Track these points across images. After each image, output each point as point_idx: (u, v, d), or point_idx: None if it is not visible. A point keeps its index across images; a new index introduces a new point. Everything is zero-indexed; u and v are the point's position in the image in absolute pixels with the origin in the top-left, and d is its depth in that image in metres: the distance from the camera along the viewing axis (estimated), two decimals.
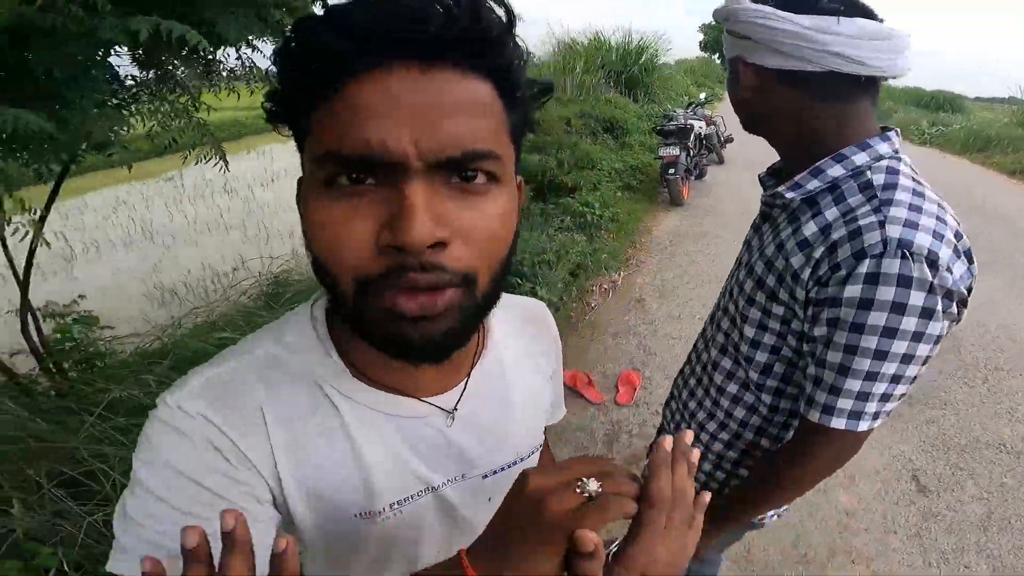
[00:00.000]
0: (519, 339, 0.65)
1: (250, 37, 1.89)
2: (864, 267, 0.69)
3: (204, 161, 2.17)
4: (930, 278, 0.67)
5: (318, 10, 1.87)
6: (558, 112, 8.00)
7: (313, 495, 0.51)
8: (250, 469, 0.48)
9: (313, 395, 0.51)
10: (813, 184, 0.79)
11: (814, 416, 0.78)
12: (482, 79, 0.40)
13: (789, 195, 0.81)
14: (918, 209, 0.70)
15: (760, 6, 0.77)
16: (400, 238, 0.37)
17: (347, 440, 0.51)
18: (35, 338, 2.21)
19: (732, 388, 0.94)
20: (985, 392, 3.05)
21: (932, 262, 0.67)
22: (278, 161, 10.86)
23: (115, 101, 1.88)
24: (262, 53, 2.11)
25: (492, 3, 0.40)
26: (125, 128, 1.81)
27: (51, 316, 2.54)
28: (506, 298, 0.61)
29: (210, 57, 2.07)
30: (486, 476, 0.60)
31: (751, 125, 0.89)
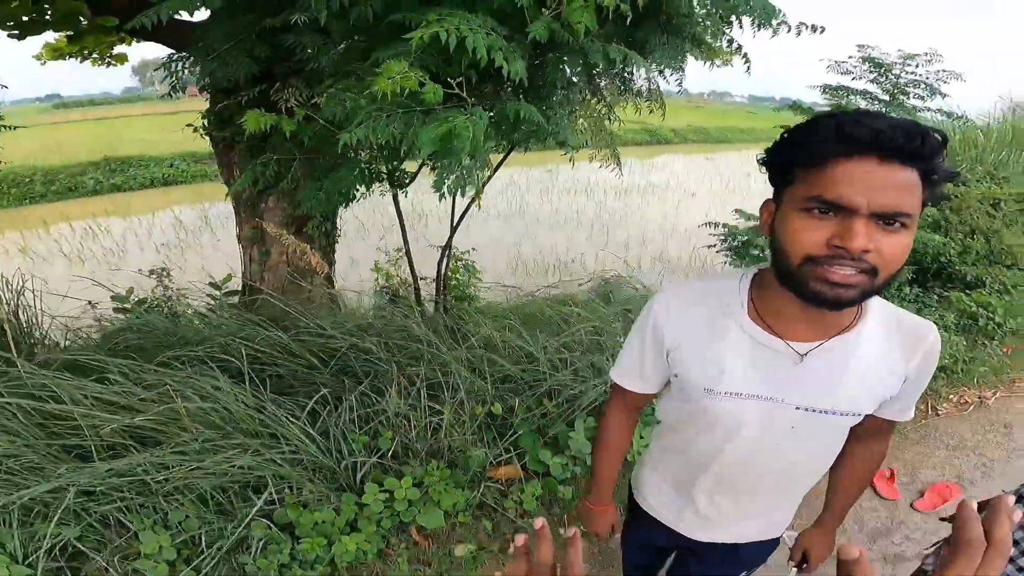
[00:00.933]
0: (886, 339, 0.85)
1: (666, 66, 2.12)
2: None
3: (605, 165, 2.52)
4: None
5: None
6: (983, 190, 6.36)
7: (688, 368, 0.90)
8: (663, 341, 0.92)
9: (721, 315, 0.87)
10: None
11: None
12: (914, 169, 0.67)
13: None
14: None
15: None
16: (846, 243, 0.67)
17: (723, 345, 0.86)
18: (441, 271, 2.98)
19: None
20: None
21: None
22: (630, 176, 11.77)
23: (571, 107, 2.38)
24: (666, 79, 2.35)
25: (929, 130, 0.66)
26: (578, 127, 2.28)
27: (453, 259, 3.40)
28: (894, 310, 0.87)
29: (628, 76, 2.43)
30: (798, 408, 0.86)
31: None
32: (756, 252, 3.18)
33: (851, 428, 0.91)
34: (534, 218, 7.82)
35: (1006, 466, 2.78)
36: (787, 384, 0.85)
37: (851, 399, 0.85)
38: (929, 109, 4.31)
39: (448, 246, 2.87)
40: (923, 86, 4.12)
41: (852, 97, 4.31)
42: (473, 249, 3.94)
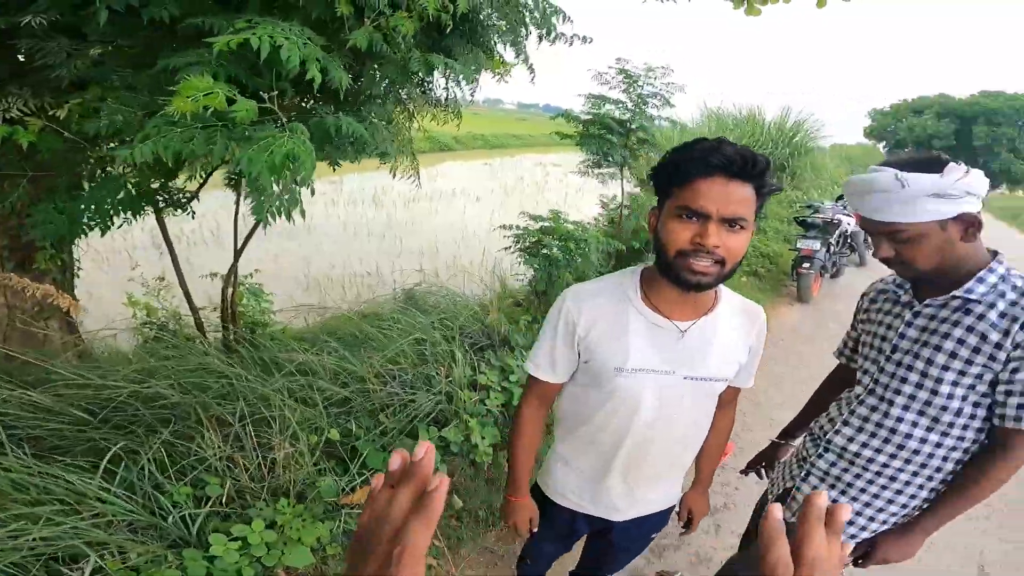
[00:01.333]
0: (734, 316, 1.13)
1: (469, 76, 2.15)
2: None
3: (404, 176, 2.52)
4: None
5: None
6: None
7: (599, 351, 1.07)
8: (576, 332, 1.08)
9: (621, 302, 1.08)
10: (983, 288, 1.11)
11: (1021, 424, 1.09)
12: (750, 185, 0.93)
13: (971, 295, 1.12)
14: None
15: (960, 171, 1.05)
16: (703, 241, 0.92)
17: (626, 327, 1.06)
18: (228, 299, 2.67)
19: (931, 436, 1.19)
20: None
21: None
22: (422, 184, 11.86)
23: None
24: (461, 88, 2.41)
25: (759, 156, 0.92)
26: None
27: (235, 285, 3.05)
28: (737, 296, 1.15)
29: (428, 86, 2.45)
30: (686, 378, 1.08)
31: (932, 273, 1.13)
32: (546, 251, 3.51)
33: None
34: (322, 233, 7.41)
35: (752, 417, 3.34)
36: (675, 357, 1.07)
37: (719, 367, 1.10)
38: (662, 118, 5.24)
39: (234, 271, 2.58)
40: (659, 97, 4.92)
41: (608, 105, 4.94)
42: (257, 271, 3.61)
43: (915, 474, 1.24)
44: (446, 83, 2.42)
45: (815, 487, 1.35)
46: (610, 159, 5.16)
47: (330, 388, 2.21)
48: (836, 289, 6.73)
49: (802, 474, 1.38)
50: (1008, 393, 1.12)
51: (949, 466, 1.22)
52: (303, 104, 1.91)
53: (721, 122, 11.70)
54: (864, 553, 1.32)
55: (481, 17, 1.99)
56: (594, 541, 1.44)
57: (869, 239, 8.01)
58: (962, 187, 1.04)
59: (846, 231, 6.62)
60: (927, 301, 1.19)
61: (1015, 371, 1.10)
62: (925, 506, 1.27)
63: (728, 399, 1.26)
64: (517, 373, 2.59)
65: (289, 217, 1.53)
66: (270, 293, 3.47)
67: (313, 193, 1.65)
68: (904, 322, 1.23)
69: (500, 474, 2.40)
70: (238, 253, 2.56)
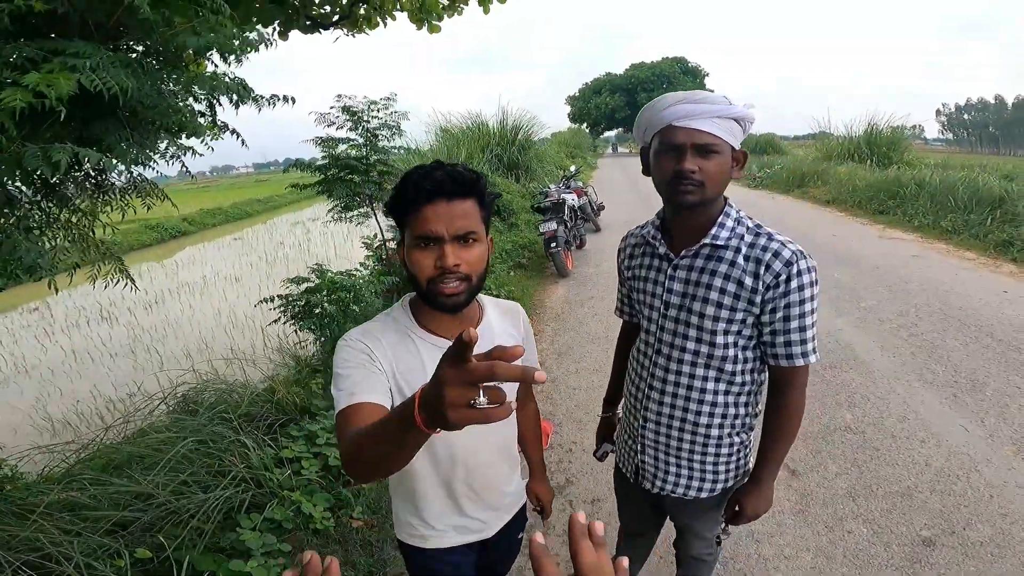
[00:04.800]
0: (501, 319, 1.19)
1: (139, 160, 1.99)
2: (794, 269, 1.11)
3: (114, 284, 2.22)
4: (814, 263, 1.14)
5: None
6: None
7: (403, 384, 1.03)
8: (378, 362, 1.01)
9: (405, 337, 1.07)
10: (726, 233, 1.16)
11: (797, 362, 1.17)
12: (470, 199, 0.98)
13: (718, 242, 1.16)
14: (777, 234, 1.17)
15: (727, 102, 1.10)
16: (443, 264, 0.95)
17: (419, 359, 1.05)
18: None
19: (720, 386, 1.25)
20: (824, 386, 3.67)
21: (808, 255, 1.14)
22: (156, 283, 10.26)
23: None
24: (155, 169, 2.18)
25: (465, 170, 0.98)
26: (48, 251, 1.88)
27: None
28: (495, 300, 1.20)
29: (100, 177, 2.14)
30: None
31: (709, 201, 1.15)
32: (319, 310, 3.45)
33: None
34: (45, 368, 6.05)
35: (557, 393, 3.75)
36: None
37: None
38: (396, 147, 5.40)
39: None
40: (388, 128, 5.02)
41: (342, 146, 4.90)
42: None
43: (720, 426, 1.28)
44: (123, 170, 2.12)
45: (656, 459, 1.37)
46: (357, 199, 5.19)
47: (110, 514, 1.95)
48: (585, 257, 7.86)
49: (639, 448, 1.40)
50: (773, 333, 1.17)
51: (742, 411, 1.28)
52: None
53: (452, 136, 12.46)
54: (733, 514, 1.36)
55: (145, 100, 1.83)
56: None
57: (597, 206, 9.51)
58: (748, 120, 1.13)
59: (574, 206, 7.68)
60: (683, 253, 1.21)
61: (773, 311, 1.15)
62: (737, 453, 1.33)
63: (524, 393, 1.34)
64: (324, 436, 2.55)
65: None
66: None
67: None
68: (667, 276, 1.25)
69: (350, 533, 2.34)
70: None
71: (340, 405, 0.96)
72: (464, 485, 1.16)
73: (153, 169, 2.15)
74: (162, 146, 2.07)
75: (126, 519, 2.01)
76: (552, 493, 1.47)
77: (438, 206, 0.95)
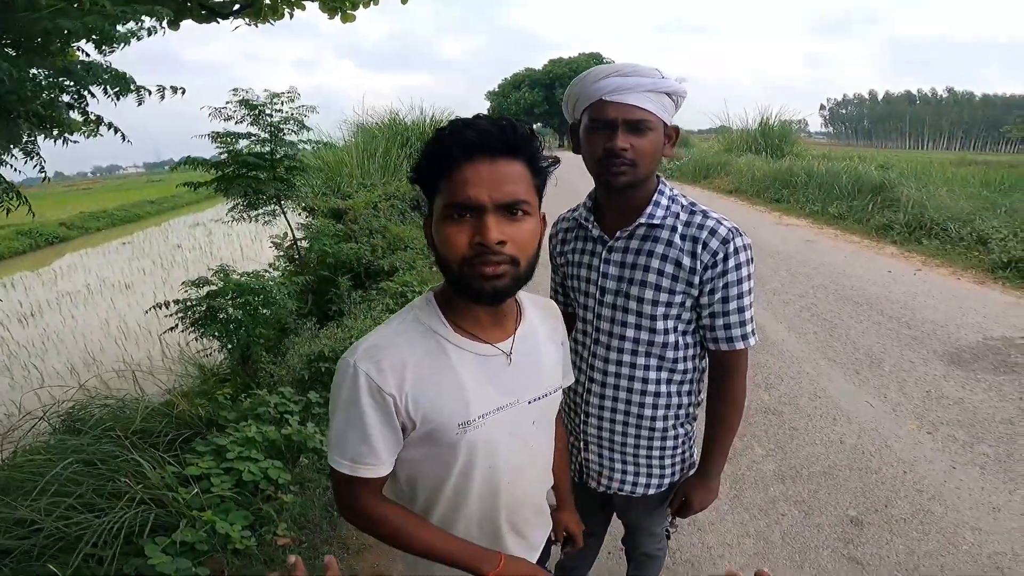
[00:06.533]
0: (543, 320, 0.99)
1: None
2: (731, 247, 1.07)
3: None
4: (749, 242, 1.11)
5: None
6: (364, 198, 8.09)
7: (433, 413, 0.81)
8: (399, 414, 0.80)
9: (434, 347, 0.83)
10: (661, 212, 1.11)
11: (737, 345, 1.14)
12: (520, 162, 0.77)
13: (654, 221, 1.11)
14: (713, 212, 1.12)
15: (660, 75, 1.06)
16: (483, 238, 0.73)
17: (452, 371, 0.83)
18: None
19: (663, 375, 1.19)
20: None
21: (743, 232, 1.11)
22: (30, 294, 9.36)
23: None
24: (14, 167, 1.99)
25: (518, 124, 0.77)
26: None
27: None
28: (531, 296, 0.99)
29: None
30: (531, 402, 0.91)
31: (643, 180, 1.09)
32: (223, 315, 3.24)
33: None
34: None
35: None
36: (512, 384, 0.87)
37: (552, 376, 0.96)
38: (304, 141, 5.14)
39: None
40: (293, 122, 4.79)
41: (241, 140, 4.62)
42: None
43: (665, 417, 1.23)
44: None
45: (600, 455, 1.31)
46: (262, 196, 4.92)
47: None
48: None
49: (581, 445, 1.33)
50: (712, 316, 1.13)
51: (685, 400, 1.23)
52: None
53: (367, 131, 12.07)
54: (680, 506, 1.32)
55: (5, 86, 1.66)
56: None
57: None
58: (681, 95, 1.08)
59: None
60: (617, 234, 1.15)
61: (712, 292, 1.10)
62: (682, 445, 1.28)
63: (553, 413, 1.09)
64: (235, 450, 2.40)
65: None
66: None
67: None
68: (602, 259, 1.18)
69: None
70: None
71: (346, 471, 0.81)
72: (507, 512, 0.94)
73: (11, 167, 1.93)
74: (24, 140, 1.87)
75: (7, 546, 1.81)
76: (582, 524, 1.24)
77: (480, 166, 0.74)
